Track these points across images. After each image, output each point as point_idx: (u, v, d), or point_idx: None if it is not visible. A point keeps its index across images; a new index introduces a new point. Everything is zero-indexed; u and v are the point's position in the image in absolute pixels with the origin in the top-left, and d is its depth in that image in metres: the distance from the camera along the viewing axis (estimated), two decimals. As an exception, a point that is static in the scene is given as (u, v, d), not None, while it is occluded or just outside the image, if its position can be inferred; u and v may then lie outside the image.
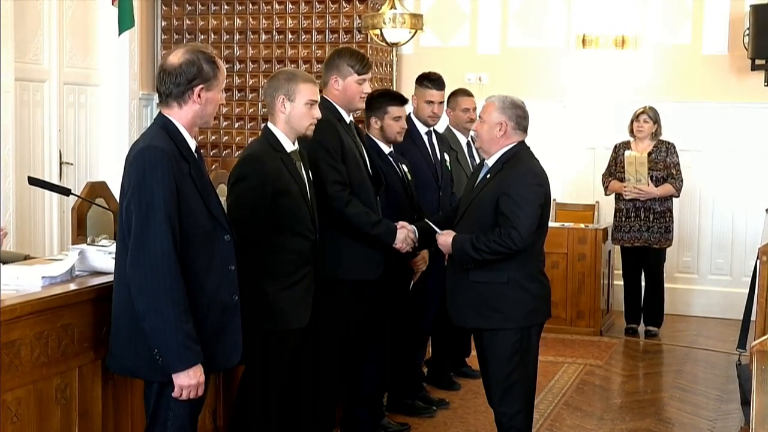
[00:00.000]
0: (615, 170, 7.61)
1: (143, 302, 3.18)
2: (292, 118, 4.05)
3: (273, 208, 3.92)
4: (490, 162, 4.35)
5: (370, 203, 4.57)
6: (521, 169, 4.25)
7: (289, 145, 4.07)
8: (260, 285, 3.88)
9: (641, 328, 7.75)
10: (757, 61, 8.01)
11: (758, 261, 5.01)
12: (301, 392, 4.45)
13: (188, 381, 3.23)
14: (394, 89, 7.53)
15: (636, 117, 7.56)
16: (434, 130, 5.77)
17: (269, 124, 4.11)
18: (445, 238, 4.33)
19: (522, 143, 4.36)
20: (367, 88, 4.64)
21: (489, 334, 4.30)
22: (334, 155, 4.42)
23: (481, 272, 4.24)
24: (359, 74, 4.57)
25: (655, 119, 7.53)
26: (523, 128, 4.34)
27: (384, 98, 5.17)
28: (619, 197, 7.59)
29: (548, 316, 4.44)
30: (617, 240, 7.64)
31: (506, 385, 4.29)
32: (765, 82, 8.02)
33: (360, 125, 5.06)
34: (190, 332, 3.22)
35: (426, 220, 4.69)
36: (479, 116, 4.41)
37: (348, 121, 4.61)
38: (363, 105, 4.75)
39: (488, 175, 4.31)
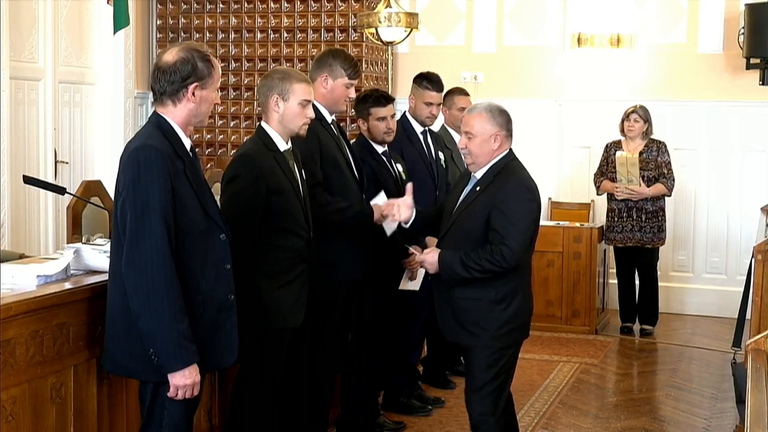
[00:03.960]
0: (607, 170, 7.61)
1: (138, 302, 3.18)
2: (286, 117, 4.05)
3: (267, 207, 3.92)
4: (478, 174, 4.11)
5: (353, 201, 4.57)
6: (514, 182, 4.04)
7: (283, 144, 4.07)
8: (255, 283, 3.88)
9: (636, 326, 7.76)
10: (752, 60, 8.03)
11: (753, 260, 5.02)
12: (295, 392, 4.44)
13: (184, 381, 3.23)
14: (389, 88, 7.54)
15: (627, 116, 7.56)
16: (429, 129, 5.77)
17: (263, 123, 4.11)
18: (432, 255, 4.09)
19: (510, 152, 4.16)
20: (353, 94, 4.66)
21: (474, 348, 4.10)
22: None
23: (468, 289, 4.03)
24: (350, 78, 4.57)
25: (646, 118, 7.52)
26: (511, 134, 4.19)
27: (367, 100, 5.15)
28: (611, 197, 7.59)
29: (527, 335, 4.23)
30: (610, 240, 7.64)
31: (479, 396, 4.10)
32: (760, 81, 8.03)
33: (342, 124, 5.07)
34: (186, 332, 3.21)
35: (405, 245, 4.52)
36: (465, 132, 4.12)
37: (329, 121, 4.61)
38: (344, 108, 4.76)
39: (478, 188, 4.08)
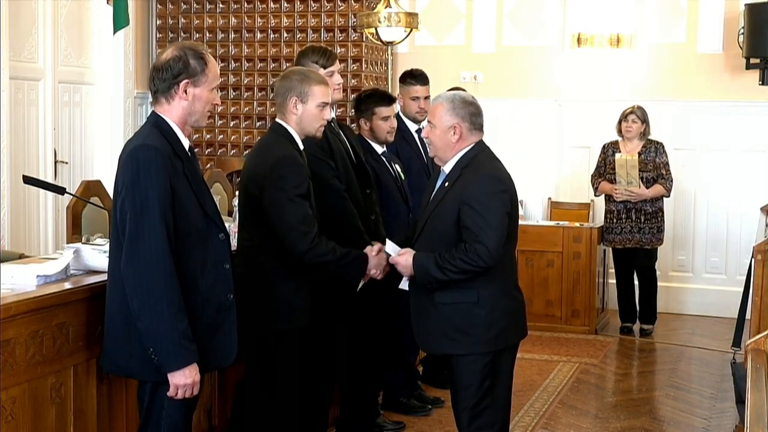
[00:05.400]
0: (604, 171, 7.59)
1: (138, 302, 3.18)
2: (304, 119, 4.04)
3: None
4: (446, 168, 3.89)
5: (357, 201, 4.58)
6: (482, 174, 3.78)
7: (301, 144, 4.08)
8: (274, 284, 3.91)
9: (636, 326, 7.76)
10: (752, 60, 8.03)
11: (753, 259, 5.02)
12: (298, 392, 4.44)
13: (183, 380, 3.23)
14: (389, 88, 7.54)
15: (624, 117, 7.53)
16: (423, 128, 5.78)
17: (281, 122, 4.07)
18: (405, 258, 3.85)
19: (480, 143, 3.90)
20: (338, 79, 4.59)
21: (458, 359, 3.84)
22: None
23: (447, 292, 3.78)
24: (325, 68, 4.52)
25: (644, 119, 7.50)
26: (479, 127, 3.88)
27: (371, 99, 5.18)
28: (609, 198, 7.57)
29: (524, 335, 3.98)
30: (609, 242, 7.62)
31: (475, 412, 3.83)
32: (759, 81, 8.03)
33: (343, 123, 5.05)
34: (185, 331, 3.21)
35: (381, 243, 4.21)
36: (428, 121, 3.94)
37: (330, 119, 4.60)
38: (341, 95, 4.69)
39: (446, 183, 3.85)
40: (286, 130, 4.05)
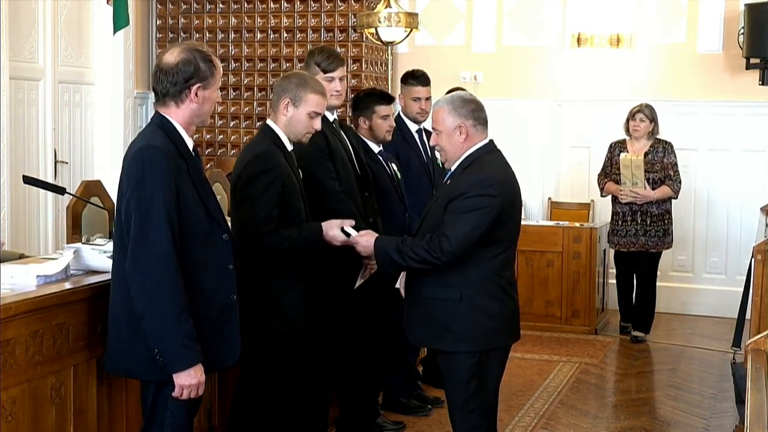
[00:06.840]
0: (610, 171, 7.44)
1: (143, 302, 3.18)
2: (292, 123, 4.05)
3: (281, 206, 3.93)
4: (452, 168, 3.90)
5: (356, 201, 4.57)
6: (477, 174, 3.75)
7: (289, 145, 4.08)
8: (266, 285, 3.91)
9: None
10: (752, 60, 8.03)
11: (753, 260, 5.02)
12: (298, 392, 4.44)
13: (189, 381, 3.23)
14: (389, 88, 7.55)
15: (632, 115, 7.37)
16: (424, 129, 5.79)
17: (270, 122, 4.10)
18: (366, 239, 3.90)
19: (489, 144, 3.87)
20: (338, 86, 4.55)
21: (444, 356, 3.87)
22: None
23: (434, 288, 3.77)
24: (325, 72, 4.50)
25: (652, 118, 7.33)
26: (483, 122, 3.85)
27: (370, 98, 5.18)
28: (615, 199, 7.45)
29: (514, 338, 3.93)
30: (614, 244, 7.50)
31: (465, 412, 3.83)
32: (759, 81, 8.03)
33: (346, 124, 5.05)
34: (190, 331, 3.21)
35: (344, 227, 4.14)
36: (432, 128, 3.92)
37: (331, 120, 4.60)
38: (338, 102, 4.64)
39: (448, 182, 3.87)
40: (273, 131, 4.06)
